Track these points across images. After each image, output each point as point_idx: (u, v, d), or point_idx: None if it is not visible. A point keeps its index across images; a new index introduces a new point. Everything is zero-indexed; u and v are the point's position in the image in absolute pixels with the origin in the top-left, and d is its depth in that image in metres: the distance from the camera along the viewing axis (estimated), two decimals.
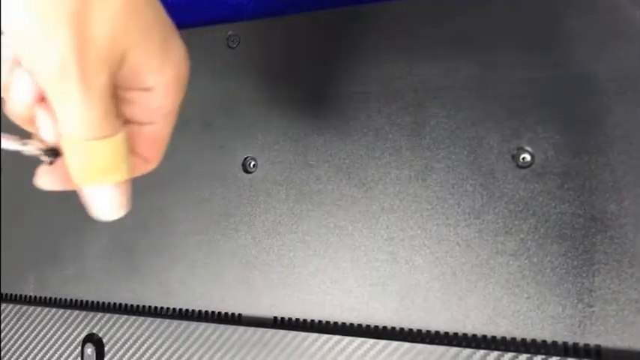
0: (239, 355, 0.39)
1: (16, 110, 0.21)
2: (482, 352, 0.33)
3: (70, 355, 0.44)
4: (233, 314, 0.40)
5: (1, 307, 0.46)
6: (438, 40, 0.35)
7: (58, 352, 0.44)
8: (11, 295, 0.47)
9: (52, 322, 0.44)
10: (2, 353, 0.46)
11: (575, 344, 0.32)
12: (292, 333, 0.38)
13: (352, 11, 0.38)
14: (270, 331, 0.38)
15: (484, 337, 0.34)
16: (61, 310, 0.44)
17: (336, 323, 0.37)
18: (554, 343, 0.33)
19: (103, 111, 0.19)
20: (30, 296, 0.46)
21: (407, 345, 0.35)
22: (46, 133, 0.21)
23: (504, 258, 0.34)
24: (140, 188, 0.42)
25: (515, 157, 0.34)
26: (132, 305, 0.43)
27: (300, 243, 0.38)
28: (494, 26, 0.34)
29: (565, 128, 0.33)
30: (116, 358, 0.42)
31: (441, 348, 0.34)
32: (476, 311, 0.34)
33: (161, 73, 0.22)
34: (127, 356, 0.42)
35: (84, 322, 0.43)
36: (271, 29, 0.40)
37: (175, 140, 0.42)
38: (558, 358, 0.32)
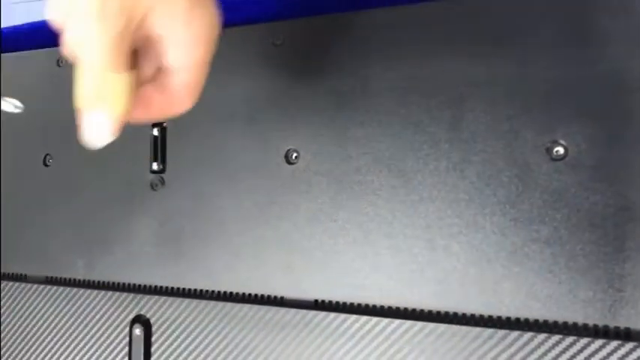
0: (281, 335, 0.41)
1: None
2: (516, 333, 0.35)
3: (118, 335, 0.46)
4: (276, 297, 0.42)
5: (51, 290, 0.49)
6: (476, 37, 0.37)
7: (107, 333, 0.47)
8: (61, 278, 0.49)
9: (101, 304, 0.47)
10: (53, 334, 0.49)
11: (606, 326, 0.34)
12: (332, 314, 0.40)
13: (393, 11, 0.40)
14: (311, 313, 0.40)
15: (517, 319, 0.36)
16: (110, 293, 0.47)
17: (374, 306, 0.39)
18: (585, 325, 0.34)
19: (116, 49, 0.22)
20: (79, 279, 0.49)
21: (443, 326, 0.37)
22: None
23: (538, 245, 0.36)
24: (188, 177, 0.45)
25: (549, 150, 0.36)
26: (179, 288, 0.45)
27: (340, 230, 0.40)
28: (531, 23, 0.36)
29: (598, 123, 0.35)
30: (163, 339, 0.44)
31: (477, 329, 0.36)
32: (510, 295, 0.36)
33: (189, 27, 0.24)
34: (173, 336, 0.44)
35: (132, 304, 0.46)
36: (315, 27, 0.42)
37: (222, 133, 0.44)
38: (589, 339, 0.34)
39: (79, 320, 0.48)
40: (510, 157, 0.36)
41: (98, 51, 0.22)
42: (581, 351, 0.34)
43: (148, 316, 0.45)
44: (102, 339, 0.47)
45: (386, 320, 0.38)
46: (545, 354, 0.35)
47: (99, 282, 0.48)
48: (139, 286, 0.46)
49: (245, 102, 0.44)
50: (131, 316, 0.46)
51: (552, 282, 0.35)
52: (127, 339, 0.46)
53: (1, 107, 0.35)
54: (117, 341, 0.46)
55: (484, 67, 0.37)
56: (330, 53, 0.42)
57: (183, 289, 0.45)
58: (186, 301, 0.44)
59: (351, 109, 0.41)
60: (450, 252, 0.37)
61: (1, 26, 0.57)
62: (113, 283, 0.47)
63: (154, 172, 0.47)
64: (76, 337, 0.48)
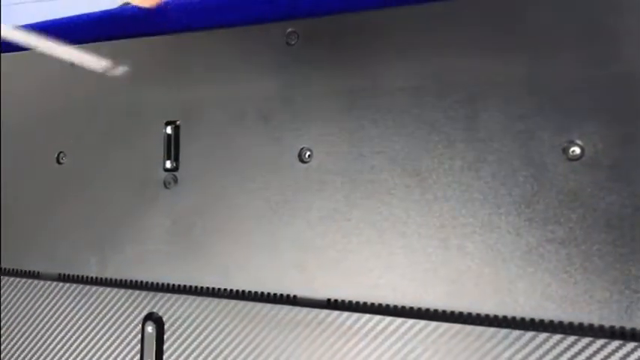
0: (293, 334, 0.41)
1: None
2: (531, 333, 0.35)
3: (130, 333, 0.46)
4: (288, 295, 0.42)
5: (64, 287, 0.49)
6: (491, 36, 0.37)
7: (119, 331, 0.47)
8: (73, 275, 0.50)
9: (114, 301, 0.47)
10: (65, 331, 0.49)
11: (622, 328, 0.34)
12: (345, 313, 0.40)
13: (407, 9, 0.40)
14: (324, 312, 0.40)
15: (532, 320, 0.36)
16: (122, 290, 0.47)
17: (388, 305, 0.39)
18: (602, 326, 0.34)
19: None
20: (92, 277, 0.49)
21: (457, 326, 0.37)
22: None
23: (553, 246, 0.35)
24: (201, 175, 0.45)
25: (565, 150, 0.35)
26: (191, 286, 0.45)
27: (354, 229, 0.40)
28: (547, 22, 0.36)
29: (614, 122, 0.34)
30: (175, 336, 0.45)
31: (491, 329, 0.36)
32: (525, 296, 0.36)
33: None
34: (185, 334, 0.44)
35: (144, 302, 0.46)
36: (328, 26, 0.42)
37: (235, 132, 0.44)
38: (605, 340, 0.34)
39: (92, 318, 0.48)
40: (526, 156, 0.36)
41: None
42: (597, 352, 0.34)
43: (160, 313, 0.45)
44: (114, 336, 0.47)
45: (399, 320, 0.38)
46: (560, 355, 0.34)
47: (112, 279, 0.48)
48: (152, 283, 0.46)
49: (258, 101, 0.44)
50: (143, 314, 0.46)
51: (568, 282, 0.35)
52: (139, 337, 0.46)
53: None
54: (129, 339, 0.47)
55: (499, 67, 0.37)
56: (343, 52, 0.42)
57: (196, 287, 0.45)
58: (199, 299, 0.44)
59: (364, 108, 0.41)
60: (464, 252, 0.37)
61: (1, 27, 0.57)
62: (126, 280, 0.48)
63: (167, 170, 0.47)
64: (88, 335, 0.48)
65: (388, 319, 0.38)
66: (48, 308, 0.50)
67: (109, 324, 0.47)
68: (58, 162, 0.51)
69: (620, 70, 0.35)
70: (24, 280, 0.51)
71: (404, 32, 0.40)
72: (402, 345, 0.38)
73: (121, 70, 0.49)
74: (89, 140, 0.50)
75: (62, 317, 0.49)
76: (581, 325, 0.35)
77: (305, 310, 0.41)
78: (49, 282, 0.50)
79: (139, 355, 0.46)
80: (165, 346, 0.45)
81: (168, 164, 0.47)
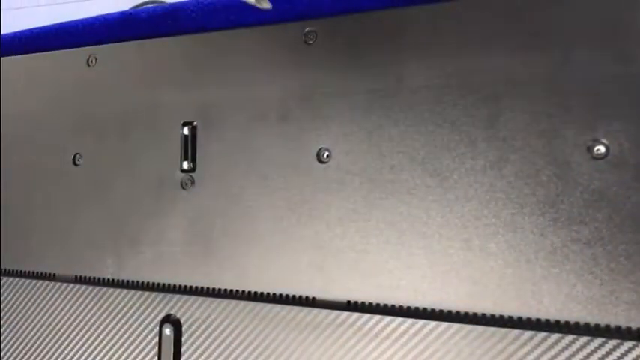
0: (312, 336, 0.41)
1: None
2: (556, 335, 0.34)
3: (148, 335, 0.46)
4: (307, 297, 0.42)
5: (80, 289, 0.49)
6: (514, 34, 0.37)
7: (136, 333, 0.47)
8: (90, 277, 0.49)
9: (131, 303, 0.47)
10: (82, 334, 0.49)
11: None
12: (365, 315, 0.39)
13: (427, 8, 0.39)
14: (343, 314, 0.40)
15: (557, 322, 0.35)
16: (139, 292, 0.47)
17: (409, 307, 0.39)
18: (629, 328, 0.34)
19: None
20: (108, 278, 0.49)
21: (480, 328, 0.36)
22: None
23: (578, 246, 0.35)
24: (219, 176, 0.45)
25: (590, 149, 0.35)
26: (209, 288, 0.45)
27: (373, 230, 0.40)
28: (571, 21, 0.36)
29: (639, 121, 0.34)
30: (193, 338, 0.44)
31: (515, 331, 0.35)
32: (549, 297, 0.35)
33: None
34: (203, 336, 0.44)
35: (162, 304, 0.46)
36: (347, 25, 0.42)
37: (253, 132, 0.44)
38: (633, 342, 0.33)
39: (109, 320, 0.48)
40: (550, 155, 0.36)
41: None
42: (624, 355, 0.33)
43: (177, 315, 0.45)
44: (131, 339, 0.47)
45: (421, 322, 0.38)
46: (586, 357, 0.34)
47: (128, 281, 0.48)
48: (169, 285, 0.46)
49: (276, 101, 0.44)
50: (161, 316, 0.46)
51: (593, 283, 0.34)
52: (157, 339, 0.46)
53: None
54: (146, 341, 0.46)
55: (522, 65, 0.37)
56: (362, 51, 0.41)
57: (214, 288, 0.45)
58: (217, 300, 0.44)
59: (384, 107, 0.40)
60: (486, 252, 0.37)
61: (1, 31, 0.58)
62: (143, 282, 0.47)
63: (184, 171, 0.46)
64: (105, 337, 0.48)
65: (409, 321, 0.38)
66: (64, 310, 0.50)
67: (126, 326, 0.47)
68: (75, 163, 0.51)
69: None
70: (40, 281, 0.51)
71: (424, 30, 0.39)
72: (424, 347, 0.38)
73: (137, 71, 0.49)
74: (105, 141, 0.50)
75: (78, 319, 0.49)
76: (607, 326, 0.34)
77: (324, 312, 0.40)
78: (65, 284, 0.50)
79: (156, 358, 0.46)
80: (182, 349, 0.45)
81: (185, 165, 0.46)
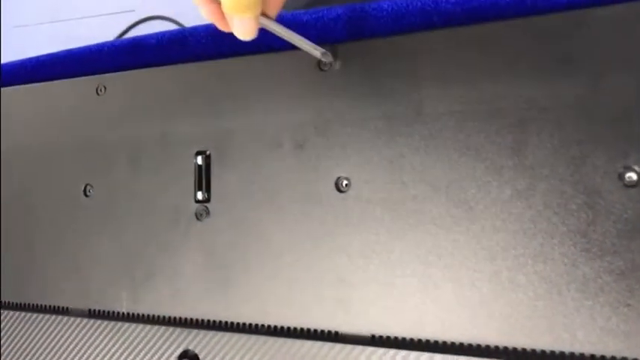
0: None
1: None
2: None
3: None
4: (330, 332, 0.40)
5: (95, 324, 0.48)
6: (540, 58, 0.36)
7: None
8: (104, 311, 0.48)
9: (147, 338, 0.46)
10: None
11: None
12: (391, 351, 0.38)
13: (448, 32, 0.38)
14: (368, 349, 0.39)
15: (592, 356, 0.34)
16: (156, 327, 0.45)
17: (436, 342, 0.37)
18: None
19: None
20: (123, 313, 0.48)
21: None
22: None
23: (612, 277, 0.34)
24: (235, 206, 0.44)
25: (621, 176, 0.34)
26: (227, 322, 0.44)
27: (397, 262, 0.39)
28: (600, 45, 0.34)
29: None
30: None
31: None
32: (583, 331, 0.34)
33: None
34: None
35: (179, 339, 0.44)
36: (365, 51, 0.41)
37: (269, 161, 0.43)
38: None
39: (124, 355, 0.47)
40: (579, 183, 0.35)
41: None
42: None
43: (196, 351, 0.44)
44: None
45: (449, 357, 0.36)
46: None
47: (144, 315, 0.47)
48: (186, 319, 0.45)
49: (292, 128, 0.43)
50: (179, 351, 0.44)
51: (629, 316, 0.33)
52: None
53: None
54: None
55: (548, 89, 0.36)
56: (381, 77, 0.40)
57: (232, 322, 0.43)
58: (236, 335, 0.42)
59: (404, 134, 0.39)
60: (516, 284, 0.36)
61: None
62: (159, 316, 0.46)
63: (198, 201, 0.45)
64: None
65: (438, 356, 0.37)
66: (79, 346, 0.49)
67: None
68: (85, 194, 0.50)
69: None
70: (52, 316, 0.50)
71: (446, 55, 0.38)
72: None
73: (148, 99, 0.48)
74: (117, 172, 0.49)
75: (93, 356, 0.48)
76: None
77: (348, 347, 0.39)
78: (79, 318, 0.49)
79: None
80: None
81: (199, 195, 0.45)
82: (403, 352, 0.38)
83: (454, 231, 0.37)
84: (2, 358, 0.52)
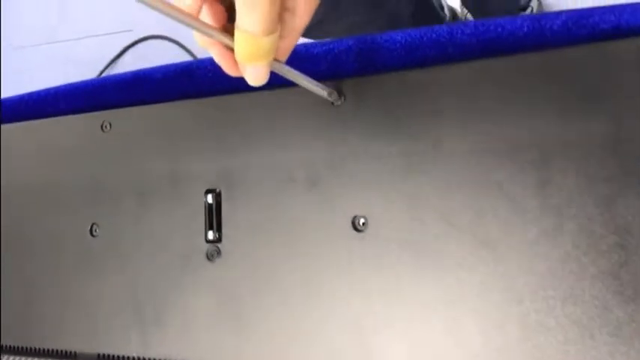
0: None
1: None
2: None
3: None
4: None
5: None
6: (564, 94, 0.34)
7: None
8: (113, 355, 0.47)
9: None
10: None
11: None
12: None
13: (468, 65, 0.37)
14: None
15: None
16: None
17: None
18: None
19: (275, 16, 0.27)
20: (133, 357, 0.46)
21: None
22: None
23: None
24: (247, 246, 0.42)
25: None
26: None
27: (419, 305, 0.37)
28: (625, 80, 0.33)
29: None
30: None
31: None
32: None
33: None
34: None
35: None
36: (378, 85, 0.40)
37: (281, 198, 0.42)
38: None
39: None
40: (610, 222, 0.33)
41: (264, 20, 0.27)
42: None
43: None
44: None
45: None
46: None
47: None
48: None
49: (305, 164, 0.41)
50: None
51: None
52: None
53: None
54: None
55: (573, 124, 0.34)
56: (397, 112, 0.39)
57: None
58: None
59: (423, 171, 0.38)
60: (546, 328, 0.34)
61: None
62: None
63: (209, 241, 0.44)
64: None
65: None
66: None
67: None
68: (92, 234, 0.49)
69: None
70: None
71: (465, 89, 0.37)
72: None
73: (155, 136, 0.47)
74: (124, 211, 0.48)
75: None
76: None
77: None
78: None
79: None
80: None
81: (210, 235, 0.44)
82: None
83: (479, 272, 0.36)
84: None
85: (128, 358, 0.46)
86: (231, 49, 0.30)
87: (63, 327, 0.49)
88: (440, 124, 0.38)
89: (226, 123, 0.45)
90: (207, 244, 0.44)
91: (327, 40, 0.44)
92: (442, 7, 0.98)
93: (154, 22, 1.55)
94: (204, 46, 0.31)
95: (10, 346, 0.51)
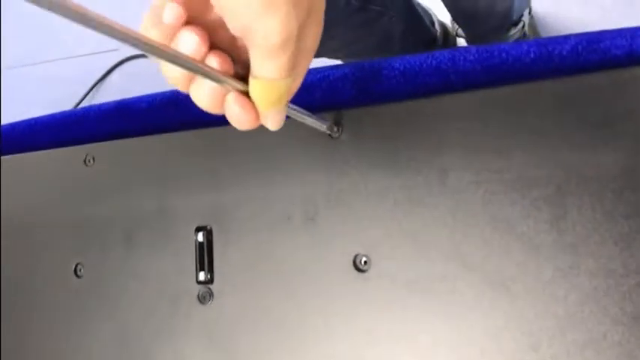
0: None
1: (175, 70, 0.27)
2: None
3: None
4: None
5: None
6: (578, 124, 0.32)
7: None
8: None
9: None
10: None
11: None
12: None
13: (474, 95, 0.35)
14: None
15: None
16: None
17: None
18: None
19: (293, 59, 0.26)
20: None
21: None
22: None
23: None
24: (241, 288, 0.40)
25: None
26: None
27: (426, 351, 0.35)
28: None
29: None
30: None
31: None
32: None
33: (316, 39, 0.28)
34: None
35: None
36: (378, 116, 0.37)
37: (277, 236, 0.39)
38: None
39: None
40: (630, 261, 0.31)
41: (281, 67, 0.26)
42: None
43: None
44: None
45: None
46: None
47: None
48: None
49: (303, 200, 0.39)
50: None
51: None
52: None
53: None
54: None
55: (588, 156, 0.32)
56: (399, 144, 0.37)
57: None
58: None
59: (428, 206, 0.36)
60: None
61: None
62: None
63: (200, 282, 0.41)
64: None
65: None
66: None
67: None
68: (76, 275, 0.46)
69: None
70: None
71: (471, 120, 0.35)
72: None
73: (141, 170, 0.44)
74: (109, 250, 0.45)
75: None
76: None
77: None
78: None
79: None
80: None
81: (201, 276, 0.41)
82: None
83: (491, 316, 0.33)
84: None
85: None
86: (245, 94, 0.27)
87: None
88: (444, 157, 0.35)
89: (217, 156, 0.42)
90: (199, 286, 0.41)
91: (322, 67, 0.42)
92: (433, 23, 0.96)
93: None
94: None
95: None
